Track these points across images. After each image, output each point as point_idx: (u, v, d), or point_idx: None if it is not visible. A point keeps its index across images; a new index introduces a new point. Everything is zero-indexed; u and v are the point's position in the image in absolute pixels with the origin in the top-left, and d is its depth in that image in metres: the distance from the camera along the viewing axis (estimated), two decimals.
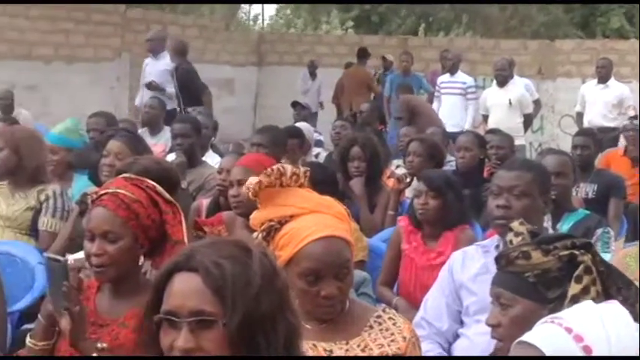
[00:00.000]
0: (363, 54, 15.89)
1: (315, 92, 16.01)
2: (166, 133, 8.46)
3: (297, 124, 8.65)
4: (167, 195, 3.09)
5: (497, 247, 3.65)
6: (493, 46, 17.48)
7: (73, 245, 4.90)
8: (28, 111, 11.81)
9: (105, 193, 3.03)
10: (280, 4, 29.15)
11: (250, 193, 2.77)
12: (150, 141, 7.96)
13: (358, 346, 2.72)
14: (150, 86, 11.23)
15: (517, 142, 8.95)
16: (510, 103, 11.22)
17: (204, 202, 5.55)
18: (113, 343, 2.93)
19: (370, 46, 16.86)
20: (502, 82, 11.44)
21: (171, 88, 11.32)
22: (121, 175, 3.16)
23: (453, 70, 12.84)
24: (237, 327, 1.82)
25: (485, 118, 11.62)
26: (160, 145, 8.19)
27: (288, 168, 2.78)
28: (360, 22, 25.62)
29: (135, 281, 3.04)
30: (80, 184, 5.74)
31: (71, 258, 4.41)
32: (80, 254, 4.47)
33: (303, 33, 23.84)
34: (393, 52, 16.12)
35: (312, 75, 16.24)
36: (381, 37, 20.28)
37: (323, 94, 16.00)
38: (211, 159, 7.20)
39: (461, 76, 12.83)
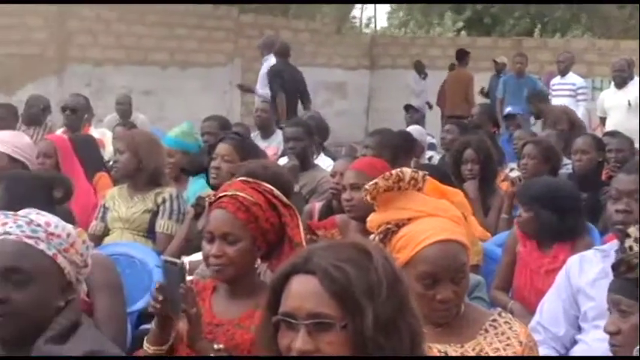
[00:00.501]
0: (461, 55, 15.72)
1: (425, 94, 15.94)
2: (278, 136, 8.52)
3: (410, 127, 8.61)
4: (284, 198, 3.11)
5: (616, 251, 3.57)
6: (612, 47, 17.09)
7: (189, 247, 4.97)
8: (145, 115, 12.07)
9: (224, 196, 3.06)
10: (392, 7, 29.11)
11: (368, 197, 2.77)
12: (262, 144, 8.03)
13: (473, 349, 2.69)
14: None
15: (637, 145, 8.72)
16: (629, 104, 10.93)
17: (317, 205, 5.56)
18: (229, 344, 2.96)
19: (483, 47, 16.70)
20: (620, 83, 11.15)
21: (265, 90, 11.45)
22: (238, 178, 3.20)
23: (564, 72, 12.62)
24: (360, 330, 1.82)
25: (603, 120, 11.35)
26: (272, 147, 8.24)
27: (407, 172, 2.77)
28: (472, 24, 25.38)
29: (250, 283, 3.07)
30: (195, 187, 5.82)
31: (187, 260, 4.50)
32: (195, 256, 4.56)
33: (416, 36, 23.72)
34: (506, 54, 15.91)
35: (422, 76, 16.16)
36: (494, 39, 20.05)
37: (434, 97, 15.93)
38: (323, 162, 7.21)
39: (571, 78, 12.60)
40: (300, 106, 11.40)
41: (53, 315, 2.41)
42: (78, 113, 8.62)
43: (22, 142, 4.90)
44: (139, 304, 4.47)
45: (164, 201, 5.33)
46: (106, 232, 5.39)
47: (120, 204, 5.39)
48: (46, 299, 2.39)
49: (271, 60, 11.85)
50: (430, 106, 15.96)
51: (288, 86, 11.34)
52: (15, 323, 2.34)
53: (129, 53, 15.08)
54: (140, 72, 15.06)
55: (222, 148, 5.06)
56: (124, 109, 11.36)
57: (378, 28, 27.10)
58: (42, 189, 3.64)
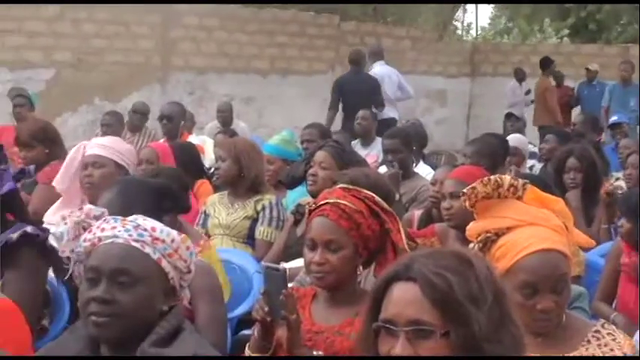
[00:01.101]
0: (545, 63, 15.40)
1: (524, 102, 15.68)
2: (378, 144, 8.51)
3: (511, 136, 8.51)
4: (385, 204, 3.11)
5: None
6: None
7: (288, 254, 5.01)
8: (245, 123, 12.20)
9: (325, 204, 3.07)
10: (494, 13, 28.83)
11: (467, 203, 2.75)
12: (362, 152, 8.03)
13: None
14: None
15: None
16: None
17: (417, 213, 5.54)
18: (328, 351, 2.96)
19: (589, 55, 16.40)
20: None
21: None
22: (338, 186, 3.21)
23: None
24: (461, 339, 1.81)
25: None
26: (372, 155, 8.23)
27: (506, 179, 2.75)
28: (577, 31, 24.96)
29: (351, 290, 3.07)
30: (295, 194, 5.86)
31: (287, 266, 4.52)
32: (294, 263, 4.59)
33: (518, 43, 23.43)
34: (612, 62, 15.60)
35: (522, 84, 15.94)
36: (600, 46, 19.67)
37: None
38: (423, 170, 7.18)
39: None
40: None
41: (157, 319, 2.45)
42: (174, 121, 8.74)
43: (124, 148, 5.00)
44: (239, 310, 4.51)
45: (264, 208, 5.38)
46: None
47: (220, 210, 5.45)
48: (151, 302, 2.44)
49: (376, 68, 11.88)
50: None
51: (350, 97, 11.36)
52: (120, 324, 2.39)
53: (231, 61, 15.25)
54: (241, 80, 15.21)
55: (320, 155, 5.08)
56: (225, 117, 11.50)
57: (479, 34, 26.88)
58: (152, 196, 3.72)
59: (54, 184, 5.05)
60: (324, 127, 8.16)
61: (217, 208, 5.47)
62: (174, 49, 14.77)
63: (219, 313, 3.67)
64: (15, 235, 3.48)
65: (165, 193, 3.81)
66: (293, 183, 5.91)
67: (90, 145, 4.97)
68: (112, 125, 9.39)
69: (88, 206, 3.33)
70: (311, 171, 5.06)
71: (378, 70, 11.93)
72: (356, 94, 11.24)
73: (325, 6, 17.50)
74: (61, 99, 13.69)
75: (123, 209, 3.39)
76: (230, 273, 4.63)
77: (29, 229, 3.52)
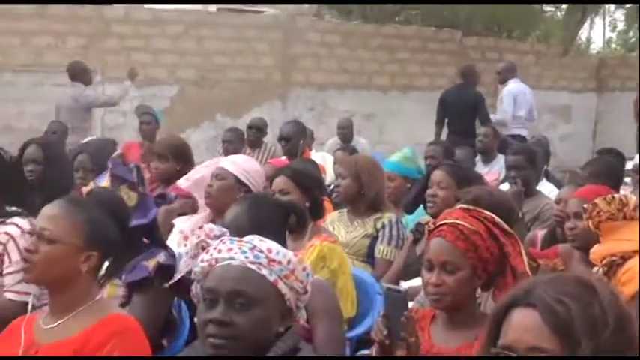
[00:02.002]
0: None
1: None
2: (499, 161, 8.40)
3: None
4: (505, 226, 3.05)
5: None
6: None
7: (407, 272, 4.96)
8: (366, 139, 12.21)
9: (444, 224, 3.03)
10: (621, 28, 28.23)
11: (590, 223, 2.67)
12: (483, 169, 7.93)
13: None
14: None
15: None
16: None
17: (540, 233, 5.43)
18: None
19: None
20: None
21: (500, 115, 11.41)
22: (458, 206, 3.16)
23: None
24: None
25: None
26: (493, 173, 8.12)
27: (631, 199, 2.66)
28: None
29: (470, 313, 3.01)
30: (414, 213, 5.80)
31: (406, 285, 4.48)
32: (415, 281, 4.54)
33: None
34: None
35: None
36: None
37: None
38: (546, 188, 7.04)
39: None
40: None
41: (274, 340, 2.45)
42: (293, 141, 8.78)
43: (250, 167, 5.03)
44: (358, 330, 4.49)
45: (384, 226, 5.35)
46: None
47: (340, 228, 5.45)
48: (267, 324, 2.44)
49: (510, 85, 11.77)
50: None
51: (452, 111, 11.34)
52: (237, 346, 2.39)
53: (351, 77, 15.29)
54: (362, 96, 15.24)
55: (437, 175, 5.03)
56: (346, 133, 11.52)
57: (604, 48, 26.33)
58: (280, 214, 3.75)
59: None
60: (448, 144, 8.08)
61: (337, 226, 5.47)
62: (295, 66, 14.90)
63: (337, 333, 3.65)
64: (151, 268, 3.59)
65: (292, 212, 3.83)
66: (412, 206, 5.85)
67: (224, 160, 5.07)
68: (232, 142, 9.50)
69: (209, 226, 3.37)
70: (430, 192, 5.00)
71: (513, 87, 11.79)
72: (458, 108, 11.24)
73: (447, 21, 17.44)
74: (184, 115, 13.96)
75: (251, 224, 3.46)
76: None
77: (162, 258, 3.60)
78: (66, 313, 2.83)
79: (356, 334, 4.46)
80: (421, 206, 5.55)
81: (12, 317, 3.70)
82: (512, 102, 11.59)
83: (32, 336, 2.84)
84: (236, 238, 2.53)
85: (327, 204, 6.40)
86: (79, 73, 11.02)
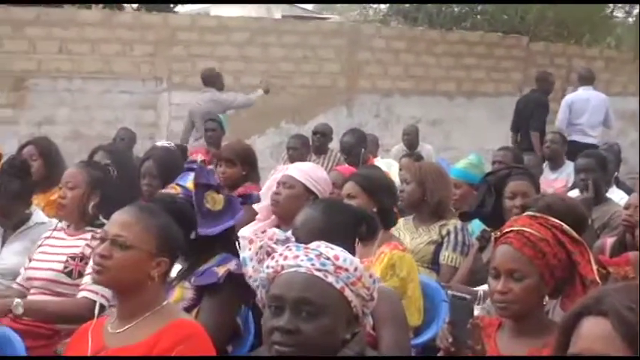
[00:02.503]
0: None
1: None
2: (568, 167, 8.30)
3: None
4: (574, 233, 3.00)
5: None
6: None
7: (473, 280, 4.92)
8: (431, 145, 12.15)
9: (510, 231, 2.99)
10: None
11: None
12: (550, 175, 7.84)
13: None
14: None
15: None
16: None
17: (609, 240, 5.34)
18: None
19: None
20: None
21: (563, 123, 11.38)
22: (525, 213, 3.12)
23: None
24: None
25: None
26: (561, 180, 8.05)
27: None
28: None
29: (538, 321, 2.97)
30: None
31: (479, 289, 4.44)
32: (479, 289, 4.49)
33: None
34: None
35: None
36: None
37: None
38: (616, 195, 6.94)
39: None
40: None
41: (340, 347, 2.44)
42: (353, 152, 8.76)
43: (318, 176, 5.02)
44: (424, 336, 4.46)
45: (449, 233, 5.32)
46: None
47: (405, 235, 5.43)
48: (334, 331, 2.42)
49: (580, 92, 11.71)
50: None
51: (519, 117, 11.47)
52: (303, 354, 2.38)
53: (417, 83, 15.22)
54: (427, 102, 15.16)
55: (515, 185, 4.97)
56: (411, 140, 11.49)
57: None
58: (353, 220, 3.75)
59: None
60: (517, 150, 8.01)
61: (402, 233, 5.45)
62: (360, 72, 14.89)
63: (402, 340, 3.63)
64: (220, 274, 3.63)
65: (364, 218, 3.82)
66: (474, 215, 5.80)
67: (291, 167, 5.06)
68: (297, 148, 9.51)
69: (272, 230, 3.37)
70: (510, 204, 4.92)
71: (572, 95, 11.70)
72: (522, 114, 11.37)
73: (514, 27, 17.28)
74: (249, 122, 14.01)
75: (325, 227, 3.46)
76: None
77: (233, 267, 3.63)
78: (134, 318, 2.86)
79: (422, 341, 4.43)
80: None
81: (82, 314, 3.78)
82: (566, 110, 11.55)
83: (100, 340, 2.87)
84: (302, 245, 2.52)
85: None
86: (212, 79, 11.45)
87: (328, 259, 2.46)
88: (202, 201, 3.77)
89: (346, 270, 2.46)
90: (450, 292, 3.12)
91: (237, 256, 3.66)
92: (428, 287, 4.69)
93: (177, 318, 2.88)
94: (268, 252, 2.52)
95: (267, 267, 2.52)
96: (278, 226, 4.87)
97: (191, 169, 3.93)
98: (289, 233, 3.46)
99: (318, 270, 2.44)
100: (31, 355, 3.62)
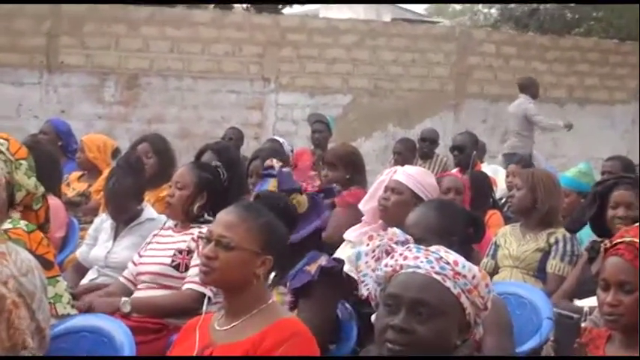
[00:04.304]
0: None
1: None
2: None
3: None
4: None
5: None
6: None
7: (580, 291, 4.81)
8: (540, 152, 11.95)
9: (621, 242, 2.93)
10: None
11: None
12: None
13: None
14: None
15: None
16: None
17: None
18: None
19: None
20: None
21: None
22: (636, 224, 3.05)
23: None
24: None
25: None
26: None
27: None
28: None
29: None
30: (589, 230, 5.63)
31: (582, 304, 4.34)
32: (587, 301, 4.40)
33: None
34: None
35: None
36: None
37: None
38: None
39: None
40: None
41: (450, 352, 2.44)
42: (465, 152, 8.67)
43: (427, 182, 4.97)
44: (527, 346, 4.38)
45: (557, 241, 5.23)
46: (496, 270, 5.36)
47: (511, 242, 5.36)
48: (447, 335, 2.42)
49: None
50: None
51: None
52: (415, 354, 2.38)
53: None
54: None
55: (618, 195, 4.85)
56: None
57: None
58: (467, 223, 3.75)
59: (361, 204, 5.14)
60: (628, 160, 7.80)
61: (508, 240, 5.39)
62: (469, 77, 14.76)
63: (507, 349, 3.58)
64: (313, 271, 3.67)
65: (477, 223, 3.83)
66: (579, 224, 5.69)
67: (399, 171, 5.02)
68: (403, 153, 9.47)
69: (393, 230, 3.35)
70: (612, 213, 4.82)
71: None
72: None
73: (630, 33, 16.88)
74: (356, 124, 14.04)
75: (437, 226, 3.44)
76: (519, 308, 4.50)
77: (324, 261, 3.63)
78: (240, 316, 2.89)
79: (525, 350, 4.35)
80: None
81: (188, 306, 3.83)
82: None
83: (207, 336, 2.91)
84: (423, 247, 2.51)
85: (498, 216, 6.29)
86: (527, 86, 11.65)
87: (448, 263, 2.46)
88: None
89: (464, 276, 2.45)
90: (555, 309, 3.06)
91: (323, 252, 3.67)
92: (532, 303, 4.61)
93: (283, 317, 2.90)
94: (387, 251, 2.52)
95: (386, 265, 2.52)
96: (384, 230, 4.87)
97: (270, 175, 3.95)
98: (409, 237, 3.45)
99: (437, 273, 2.43)
100: (141, 350, 3.68)
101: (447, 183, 5.66)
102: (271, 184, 3.93)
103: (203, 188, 4.55)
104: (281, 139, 8.18)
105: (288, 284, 3.78)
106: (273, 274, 3.74)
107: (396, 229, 2.84)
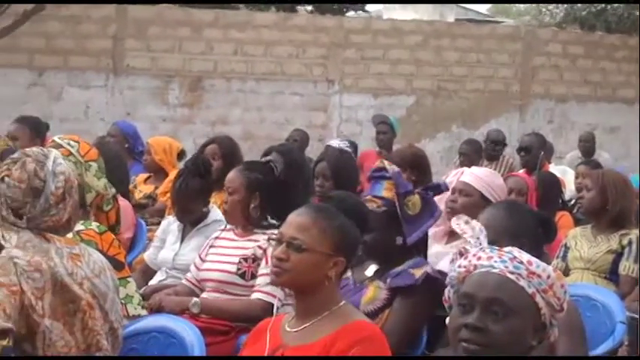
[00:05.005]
0: None
1: None
2: None
3: None
4: None
5: None
6: None
7: None
8: (609, 154, 11.79)
9: None
10: None
11: None
12: None
13: None
14: None
15: None
16: None
17: None
18: None
19: None
20: None
21: None
22: None
23: None
24: None
25: None
26: None
27: None
28: None
29: None
30: None
31: None
32: None
33: None
34: None
35: None
36: None
37: None
38: None
39: None
40: None
41: (526, 352, 2.40)
42: (532, 152, 8.58)
43: (496, 183, 4.92)
44: (601, 349, 4.31)
45: (630, 243, 5.18)
46: (566, 272, 5.29)
47: (582, 244, 5.31)
48: (522, 336, 2.39)
49: None
50: None
51: None
52: (490, 354, 2.36)
53: (594, 89, 14.82)
54: (604, 109, 14.74)
55: None
56: (588, 147, 11.21)
57: None
58: (539, 224, 3.73)
59: None
60: None
61: (579, 241, 5.33)
62: (535, 77, 14.61)
63: (580, 351, 3.52)
64: (418, 276, 3.71)
65: (549, 225, 3.81)
66: None
67: (466, 173, 4.97)
68: (468, 154, 9.40)
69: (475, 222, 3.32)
70: None
71: None
72: None
73: None
74: (419, 125, 13.98)
75: (509, 227, 3.41)
76: (590, 310, 4.43)
77: (430, 269, 3.65)
78: (311, 318, 2.87)
79: (596, 354, 4.28)
80: None
81: (256, 315, 3.83)
82: None
83: (278, 338, 2.90)
84: (496, 247, 2.48)
85: (568, 218, 6.21)
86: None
87: (522, 263, 2.42)
88: (404, 208, 3.80)
89: (539, 276, 2.41)
90: (629, 314, 3.01)
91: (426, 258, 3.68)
92: (606, 306, 4.53)
93: (355, 319, 2.87)
94: (461, 252, 2.49)
95: (459, 266, 2.49)
96: (453, 233, 4.82)
97: (383, 178, 3.93)
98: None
99: (511, 272, 2.40)
100: (210, 351, 3.68)
101: (509, 184, 5.61)
102: (385, 187, 3.91)
103: (254, 189, 4.47)
104: (336, 142, 8.11)
105: (388, 281, 3.78)
106: (375, 269, 3.80)
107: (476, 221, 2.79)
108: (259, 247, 4.30)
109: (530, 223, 3.68)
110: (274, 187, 4.50)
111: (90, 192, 3.77)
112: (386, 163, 4.14)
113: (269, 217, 4.46)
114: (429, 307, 3.74)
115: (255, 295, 4.23)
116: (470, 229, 2.55)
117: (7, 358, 2.79)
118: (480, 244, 2.50)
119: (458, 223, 2.59)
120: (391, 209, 3.84)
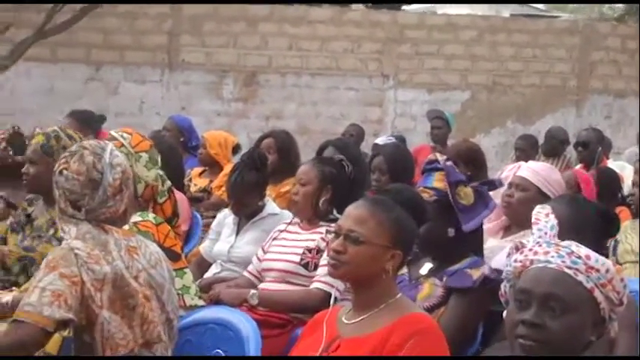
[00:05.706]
0: None
1: None
2: None
3: None
4: None
5: None
6: None
7: None
8: None
9: None
10: None
11: None
12: None
13: None
14: None
15: None
16: None
17: None
18: None
19: None
20: None
21: None
22: None
23: None
24: None
25: None
26: None
27: None
28: None
29: None
30: None
31: None
32: None
33: None
34: None
35: None
36: None
37: None
38: None
39: None
40: None
41: (585, 348, 2.37)
42: (590, 148, 8.47)
43: (553, 178, 4.86)
44: None
45: None
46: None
47: (633, 237, 5.22)
48: (580, 331, 2.36)
49: None
50: None
51: None
52: (548, 350, 2.33)
53: None
54: None
55: None
56: None
57: None
58: (602, 219, 3.71)
59: None
60: None
61: (630, 235, 5.24)
62: (592, 72, 14.43)
63: (637, 347, 3.46)
64: (475, 278, 3.71)
65: (612, 219, 3.77)
66: None
67: (523, 167, 4.92)
68: (524, 150, 9.31)
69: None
70: None
71: None
72: None
73: None
74: (474, 121, 13.89)
75: (571, 221, 3.38)
76: None
77: (487, 271, 3.64)
78: (368, 310, 2.87)
79: None
80: None
81: (314, 306, 3.83)
82: None
83: (335, 329, 2.90)
84: (553, 242, 2.44)
85: (627, 213, 6.12)
86: None
87: (579, 257, 2.38)
88: (456, 198, 3.78)
89: (597, 270, 2.37)
90: None
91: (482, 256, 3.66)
92: None
93: (411, 312, 2.87)
94: (517, 247, 2.46)
95: (516, 261, 2.46)
96: (509, 227, 4.78)
97: (435, 169, 3.92)
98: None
99: (569, 267, 2.36)
100: (266, 344, 3.68)
101: (565, 179, 5.55)
102: (436, 178, 3.90)
103: (327, 183, 4.53)
104: (383, 140, 8.04)
105: (444, 279, 3.77)
106: (430, 267, 3.78)
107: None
108: (322, 238, 4.31)
109: (593, 216, 3.64)
110: (346, 183, 4.56)
111: (140, 182, 3.79)
112: (438, 155, 4.12)
113: (335, 212, 4.49)
114: (485, 305, 3.72)
115: (314, 285, 4.24)
116: (544, 221, 2.52)
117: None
118: (542, 236, 2.46)
119: (539, 211, 2.56)
120: (443, 199, 3.82)
